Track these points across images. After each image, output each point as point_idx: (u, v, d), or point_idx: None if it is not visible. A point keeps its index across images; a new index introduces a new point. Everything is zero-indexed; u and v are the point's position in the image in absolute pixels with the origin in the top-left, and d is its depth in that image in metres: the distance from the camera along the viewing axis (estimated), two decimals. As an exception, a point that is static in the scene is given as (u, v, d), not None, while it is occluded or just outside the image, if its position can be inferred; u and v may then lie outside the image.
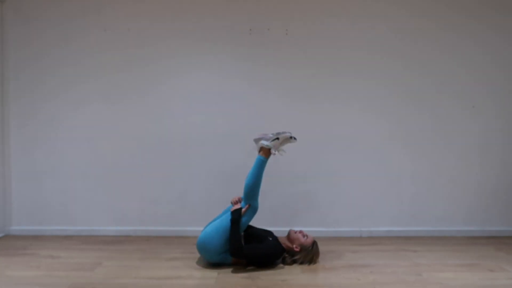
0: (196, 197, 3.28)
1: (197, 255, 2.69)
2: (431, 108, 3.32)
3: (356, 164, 3.32)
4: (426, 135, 3.33)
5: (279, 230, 3.00)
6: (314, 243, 2.59)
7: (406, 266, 2.56)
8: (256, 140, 2.72)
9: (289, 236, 2.62)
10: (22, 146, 3.34)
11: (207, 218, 2.80)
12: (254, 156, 2.73)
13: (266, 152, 2.65)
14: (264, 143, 2.65)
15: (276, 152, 2.66)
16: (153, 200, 3.33)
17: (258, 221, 3.23)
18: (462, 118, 3.32)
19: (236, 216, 2.48)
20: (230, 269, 2.47)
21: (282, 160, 3.28)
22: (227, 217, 2.53)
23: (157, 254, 2.81)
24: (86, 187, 3.34)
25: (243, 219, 2.55)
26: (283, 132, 2.69)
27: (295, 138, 2.72)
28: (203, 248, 2.50)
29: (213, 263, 2.54)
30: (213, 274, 2.39)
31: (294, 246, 2.56)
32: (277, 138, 2.66)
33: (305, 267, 2.52)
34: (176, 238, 3.22)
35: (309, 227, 3.08)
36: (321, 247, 2.80)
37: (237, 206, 2.59)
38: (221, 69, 3.30)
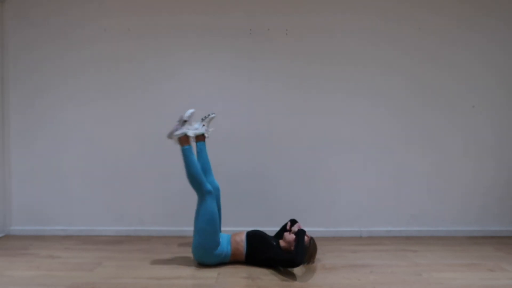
0: (196, 197, 3.28)
1: (197, 255, 2.69)
2: (430, 108, 3.32)
3: (356, 164, 3.32)
4: (426, 135, 3.33)
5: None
6: (310, 241, 2.58)
7: (406, 266, 2.56)
8: (170, 135, 2.66)
9: (285, 239, 2.61)
10: (22, 146, 3.34)
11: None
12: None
13: (184, 140, 2.60)
14: (177, 133, 2.61)
15: (192, 134, 2.62)
16: (153, 200, 3.33)
17: (258, 221, 3.25)
18: (461, 118, 3.33)
19: (301, 233, 2.49)
20: (230, 269, 2.47)
21: (282, 160, 3.30)
22: (197, 214, 2.55)
23: (157, 254, 2.81)
24: (86, 187, 3.34)
25: (211, 207, 2.53)
26: (185, 113, 2.63)
27: (212, 114, 2.74)
28: (197, 253, 2.51)
29: (213, 264, 2.54)
30: (213, 274, 2.39)
31: (292, 247, 2.55)
32: (185, 121, 2.61)
33: (305, 266, 2.52)
34: (176, 238, 3.22)
35: (309, 227, 3.08)
36: (321, 247, 2.81)
37: (298, 227, 2.61)
38: (221, 69, 3.30)
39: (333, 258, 2.71)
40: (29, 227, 3.35)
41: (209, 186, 2.58)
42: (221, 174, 3.31)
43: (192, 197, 3.31)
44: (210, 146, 3.29)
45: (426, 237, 3.29)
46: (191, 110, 2.65)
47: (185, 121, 2.62)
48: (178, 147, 3.28)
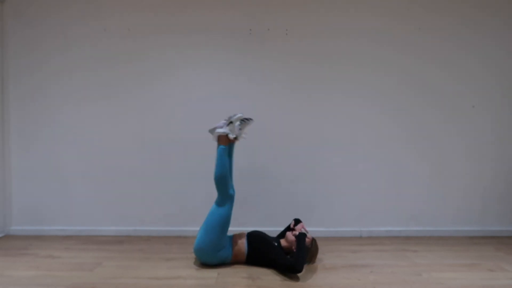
0: (196, 197, 3.29)
1: (197, 255, 2.69)
2: (430, 108, 3.32)
3: (356, 164, 3.32)
4: (425, 135, 3.33)
5: (280, 230, 3.00)
6: (312, 242, 2.58)
7: (406, 266, 2.56)
8: (212, 131, 2.69)
9: (287, 239, 2.62)
10: (22, 146, 3.34)
11: (207, 218, 2.80)
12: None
13: (223, 140, 2.63)
14: (220, 130, 2.63)
15: (235, 136, 2.64)
16: (153, 200, 3.33)
17: (259, 221, 3.25)
18: (461, 118, 3.33)
19: (302, 238, 2.49)
20: (230, 269, 2.47)
21: (282, 160, 3.30)
22: (212, 214, 2.52)
23: (157, 254, 2.81)
24: (86, 187, 3.34)
25: (229, 211, 2.52)
26: (234, 115, 2.67)
27: (250, 119, 2.70)
28: (201, 251, 2.49)
29: (214, 264, 2.53)
30: (213, 274, 2.39)
31: (293, 247, 2.55)
32: (231, 122, 2.65)
33: (305, 266, 2.52)
34: (176, 238, 3.22)
35: (309, 227, 3.08)
36: (321, 247, 2.81)
37: (302, 226, 2.66)
38: (221, 69, 3.30)
39: (333, 258, 2.71)
40: (29, 227, 3.35)
41: (232, 191, 2.59)
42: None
43: (191, 197, 3.32)
44: (210, 146, 3.29)
45: (426, 237, 3.29)
46: (239, 114, 2.67)
47: (231, 122, 2.65)
48: (177, 148, 3.29)
